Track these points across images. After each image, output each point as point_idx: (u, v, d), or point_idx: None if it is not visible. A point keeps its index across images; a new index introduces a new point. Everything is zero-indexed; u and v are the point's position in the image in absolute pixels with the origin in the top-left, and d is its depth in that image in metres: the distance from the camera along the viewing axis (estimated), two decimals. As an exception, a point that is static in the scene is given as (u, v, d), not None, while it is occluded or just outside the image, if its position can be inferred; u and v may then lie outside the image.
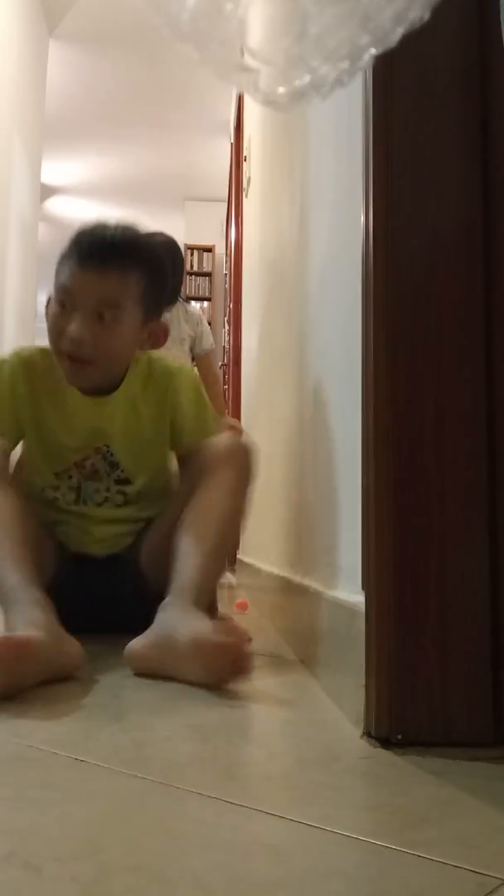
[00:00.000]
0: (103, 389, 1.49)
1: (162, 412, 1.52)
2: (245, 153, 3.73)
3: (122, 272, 1.37)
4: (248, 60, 0.68)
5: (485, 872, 0.49)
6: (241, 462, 1.40)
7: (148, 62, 5.09)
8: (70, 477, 1.51)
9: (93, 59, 5.17)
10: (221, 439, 1.45)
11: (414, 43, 0.74)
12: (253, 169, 3.27)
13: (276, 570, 1.81)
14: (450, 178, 0.84)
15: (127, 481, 1.53)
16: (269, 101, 0.70)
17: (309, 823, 0.57)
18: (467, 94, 0.85)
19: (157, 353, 1.56)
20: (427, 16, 0.66)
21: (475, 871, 0.49)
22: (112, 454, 1.51)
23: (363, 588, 0.84)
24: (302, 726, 0.89)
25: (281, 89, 0.68)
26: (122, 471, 1.52)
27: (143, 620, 1.18)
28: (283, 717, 0.93)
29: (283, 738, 0.84)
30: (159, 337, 1.49)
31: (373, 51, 0.64)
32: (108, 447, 1.50)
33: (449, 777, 0.69)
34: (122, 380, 1.50)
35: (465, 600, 0.79)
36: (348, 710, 0.89)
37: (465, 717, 0.78)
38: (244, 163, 3.74)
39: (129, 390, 1.51)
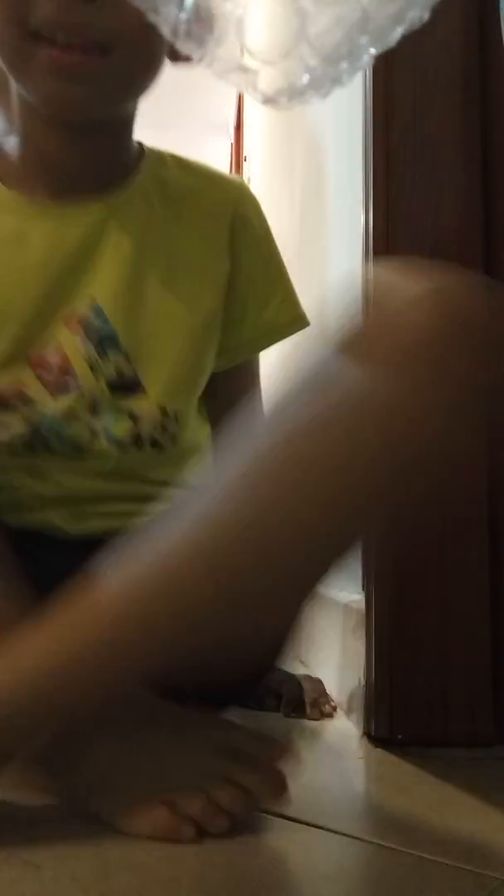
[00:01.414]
0: (79, 187, 0.74)
1: (211, 254, 0.78)
2: (245, 153, 3.73)
3: None
4: (248, 60, 0.68)
5: (485, 872, 0.49)
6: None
7: (148, 62, 5.09)
8: (20, 393, 0.71)
9: (93, 59, 5.17)
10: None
11: (414, 43, 0.73)
12: (253, 169, 3.27)
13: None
14: (450, 178, 0.84)
15: (134, 386, 0.73)
16: (269, 101, 0.69)
17: (309, 823, 0.57)
18: (467, 93, 0.85)
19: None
20: (427, 16, 0.66)
21: (475, 871, 0.49)
22: (104, 318, 0.73)
23: (363, 588, 0.84)
24: (302, 726, 0.89)
25: (280, 89, 0.68)
26: (127, 357, 0.73)
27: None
28: (283, 718, 0.93)
29: (283, 738, 0.84)
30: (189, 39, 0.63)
31: (372, 51, 0.64)
32: (94, 303, 0.73)
33: (449, 777, 0.69)
34: (122, 175, 0.77)
35: (465, 599, 0.79)
36: (348, 710, 0.89)
37: (465, 717, 0.78)
38: (244, 163, 3.74)
39: (140, 198, 0.77)
